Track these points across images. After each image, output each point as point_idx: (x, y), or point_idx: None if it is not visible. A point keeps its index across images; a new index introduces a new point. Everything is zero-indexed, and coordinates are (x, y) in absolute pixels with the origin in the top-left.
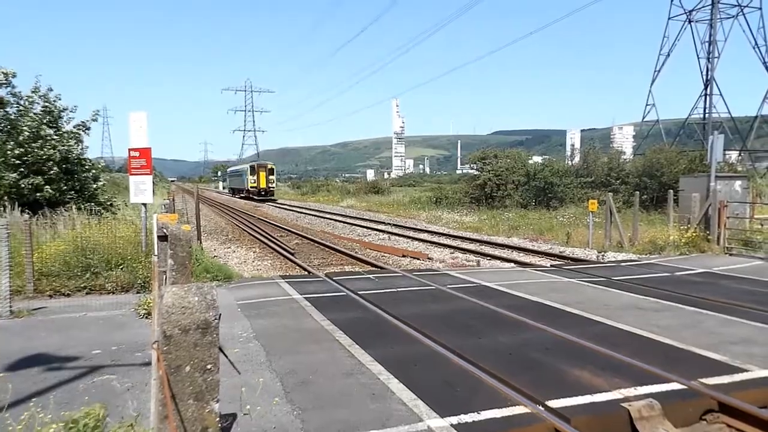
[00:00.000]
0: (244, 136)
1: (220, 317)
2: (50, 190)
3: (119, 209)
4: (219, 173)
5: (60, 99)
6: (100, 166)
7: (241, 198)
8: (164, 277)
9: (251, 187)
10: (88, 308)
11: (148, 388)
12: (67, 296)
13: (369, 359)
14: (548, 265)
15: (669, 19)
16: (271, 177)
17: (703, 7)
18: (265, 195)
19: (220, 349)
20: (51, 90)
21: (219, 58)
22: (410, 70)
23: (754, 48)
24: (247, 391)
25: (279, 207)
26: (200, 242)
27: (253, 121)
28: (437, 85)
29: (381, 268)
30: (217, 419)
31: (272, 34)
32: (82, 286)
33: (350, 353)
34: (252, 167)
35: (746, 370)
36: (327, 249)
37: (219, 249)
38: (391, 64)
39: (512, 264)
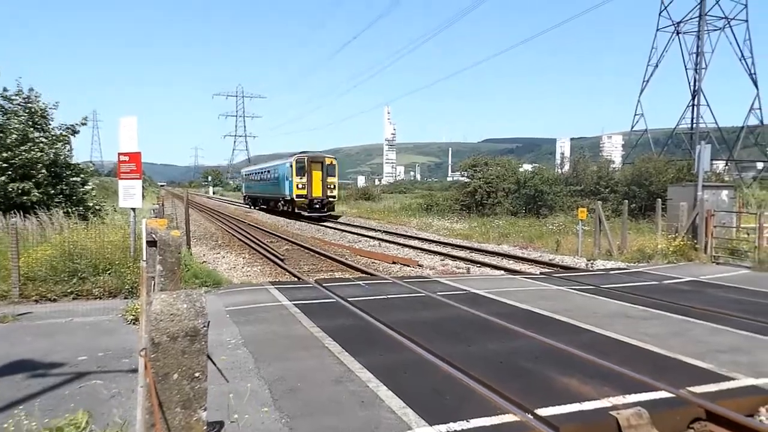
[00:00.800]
0: (235, 142)
1: (209, 324)
2: (38, 194)
3: (107, 214)
4: (209, 178)
5: (40, 97)
6: (89, 170)
7: (264, 210)
8: (153, 282)
9: (297, 195)
10: (74, 314)
11: (134, 395)
12: (54, 301)
13: (358, 366)
14: (538, 272)
15: (657, 30)
16: (330, 179)
17: (691, 19)
18: (321, 209)
19: (209, 357)
20: (32, 90)
21: (210, 62)
22: (402, 77)
23: (740, 60)
24: (234, 398)
25: (270, 213)
26: (189, 248)
27: (244, 127)
28: (429, 93)
29: (371, 274)
30: (205, 427)
31: (264, 40)
32: (68, 291)
33: (339, 360)
34: (300, 164)
35: (733, 379)
36: (317, 255)
37: (208, 254)
38: (382, 72)
39: (502, 271)
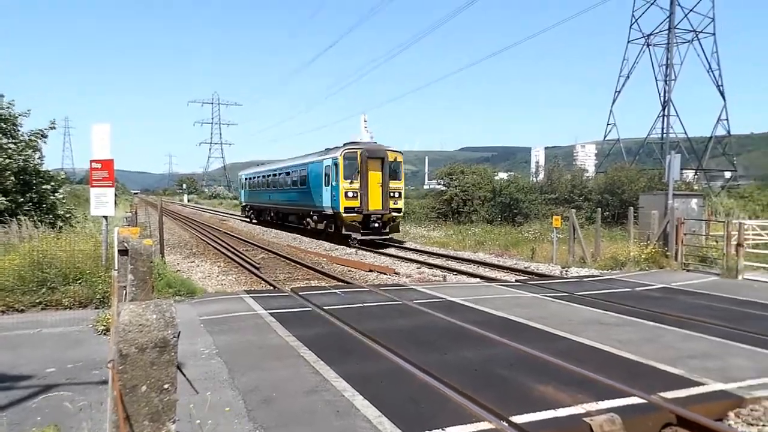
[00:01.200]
0: (210, 149)
1: (179, 335)
2: (5, 202)
3: (78, 222)
4: (184, 186)
5: (13, 105)
6: (60, 177)
7: (272, 225)
8: (124, 292)
9: (346, 209)
10: (43, 324)
11: (104, 407)
12: (21, 312)
13: (334, 376)
14: (513, 280)
15: (628, 42)
16: (394, 184)
17: (661, 31)
18: (381, 229)
19: (179, 368)
20: (2, 96)
21: (186, 69)
22: (379, 85)
23: (708, 72)
24: (207, 409)
25: (245, 221)
26: (163, 256)
27: (220, 134)
28: (406, 101)
29: (347, 283)
30: None
31: (240, 48)
32: (37, 301)
33: (315, 369)
34: (350, 160)
35: (703, 384)
36: (293, 264)
37: (182, 263)
38: (360, 80)
39: (478, 279)
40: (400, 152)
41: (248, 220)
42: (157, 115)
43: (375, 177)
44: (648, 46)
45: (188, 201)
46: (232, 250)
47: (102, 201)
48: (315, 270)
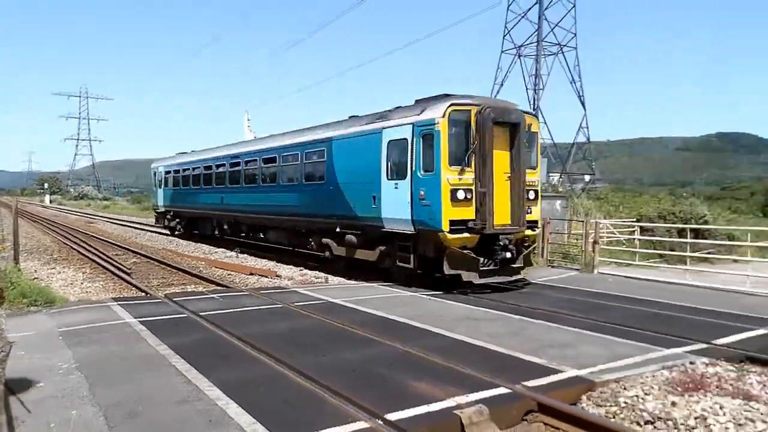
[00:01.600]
0: (77, 146)
1: (11, 348)
2: None
3: None
4: (46, 185)
5: None
6: None
7: (228, 245)
8: None
9: (454, 224)
10: None
11: None
12: None
13: (207, 384)
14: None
15: (502, 52)
16: (532, 176)
17: (530, 43)
18: (512, 262)
19: (6, 386)
20: None
21: (50, 59)
22: (262, 85)
23: (571, 83)
24: (60, 429)
25: (116, 223)
26: (17, 263)
27: (89, 130)
28: (290, 101)
29: (226, 287)
30: None
31: (109, 37)
32: None
33: (187, 379)
34: (456, 125)
35: (561, 371)
36: (168, 268)
37: (41, 270)
38: (242, 78)
39: (360, 280)
40: (535, 115)
41: (169, 232)
42: (16, 108)
43: (501, 161)
44: (519, 56)
45: (50, 202)
46: (100, 254)
47: None
48: (192, 274)
